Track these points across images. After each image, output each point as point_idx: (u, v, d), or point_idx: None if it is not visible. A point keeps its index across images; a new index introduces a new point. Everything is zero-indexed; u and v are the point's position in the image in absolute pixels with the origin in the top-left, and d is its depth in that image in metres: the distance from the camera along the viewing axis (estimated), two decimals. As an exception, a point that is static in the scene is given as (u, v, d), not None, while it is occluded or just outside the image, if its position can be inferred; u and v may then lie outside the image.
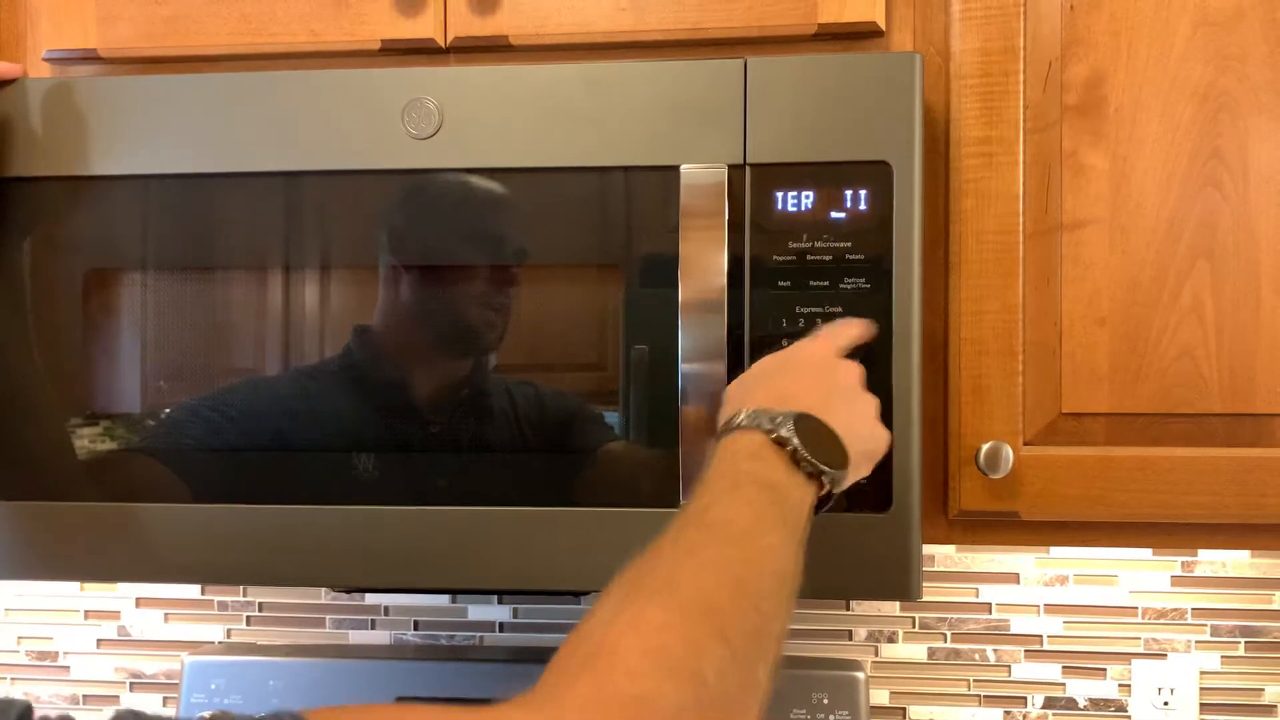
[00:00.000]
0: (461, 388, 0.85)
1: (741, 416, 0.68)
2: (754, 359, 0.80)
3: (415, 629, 1.25)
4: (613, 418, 0.83)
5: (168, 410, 0.87)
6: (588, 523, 0.82)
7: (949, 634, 1.19)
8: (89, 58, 0.92)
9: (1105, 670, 1.18)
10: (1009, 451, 0.84)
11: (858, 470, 0.72)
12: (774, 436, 0.66)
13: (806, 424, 0.67)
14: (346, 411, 0.85)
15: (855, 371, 0.75)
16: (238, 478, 0.85)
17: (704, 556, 0.59)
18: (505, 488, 0.83)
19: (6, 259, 0.86)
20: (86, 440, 0.87)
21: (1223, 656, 1.16)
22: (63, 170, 0.85)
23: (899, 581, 0.80)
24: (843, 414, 0.70)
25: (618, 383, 0.82)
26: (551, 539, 0.82)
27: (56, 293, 0.87)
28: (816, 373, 0.73)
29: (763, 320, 0.80)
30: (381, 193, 0.84)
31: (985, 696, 1.19)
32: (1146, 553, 1.16)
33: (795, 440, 0.66)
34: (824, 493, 0.67)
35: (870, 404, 0.74)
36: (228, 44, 0.90)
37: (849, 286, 0.80)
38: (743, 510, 0.63)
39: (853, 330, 0.78)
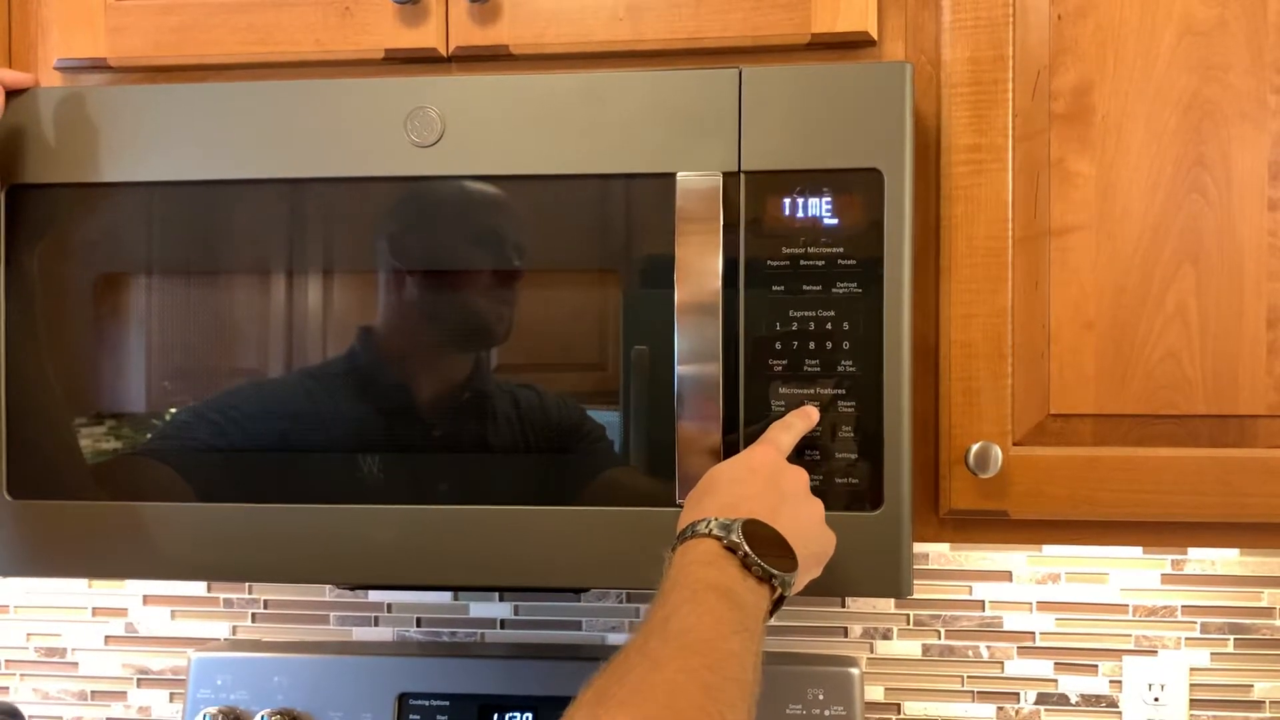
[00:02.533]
0: (464, 390, 0.87)
1: (698, 524, 0.70)
2: (749, 361, 0.82)
3: (418, 626, 1.27)
4: (612, 418, 0.85)
5: (173, 411, 0.88)
6: (587, 522, 0.84)
7: (943, 631, 1.21)
8: (99, 67, 0.94)
9: (1097, 667, 1.19)
10: (998, 452, 0.85)
11: (808, 572, 0.75)
12: (725, 542, 0.69)
13: (755, 529, 0.70)
14: (350, 413, 0.87)
15: (802, 478, 0.78)
16: (243, 478, 0.87)
17: (669, 668, 0.61)
18: (506, 487, 0.85)
19: (18, 264, 0.88)
20: (94, 441, 0.89)
21: (1212, 653, 1.18)
22: (73, 177, 0.87)
23: (890, 578, 0.82)
24: (789, 519, 0.73)
25: (616, 384, 0.84)
26: (552, 537, 0.84)
27: (67, 297, 0.88)
28: (765, 481, 0.75)
29: (757, 323, 0.82)
30: (385, 199, 0.85)
31: (979, 693, 1.21)
32: (1137, 551, 1.18)
33: (745, 546, 0.68)
34: (776, 595, 0.69)
35: (817, 507, 0.77)
36: (235, 53, 0.92)
37: (841, 290, 0.82)
38: (703, 618, 0.64)
39: (797, 425, 0.81)
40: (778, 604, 0.70)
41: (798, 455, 0.81)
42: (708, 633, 0.64)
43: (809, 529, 0.75)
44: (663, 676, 0.60)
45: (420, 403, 0.87)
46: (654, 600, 0.67)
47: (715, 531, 0.69)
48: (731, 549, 0.68)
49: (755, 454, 0.78)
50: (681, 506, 0.81)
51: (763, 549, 0.69)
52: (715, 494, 0.74)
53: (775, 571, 0.69)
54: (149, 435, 0.88)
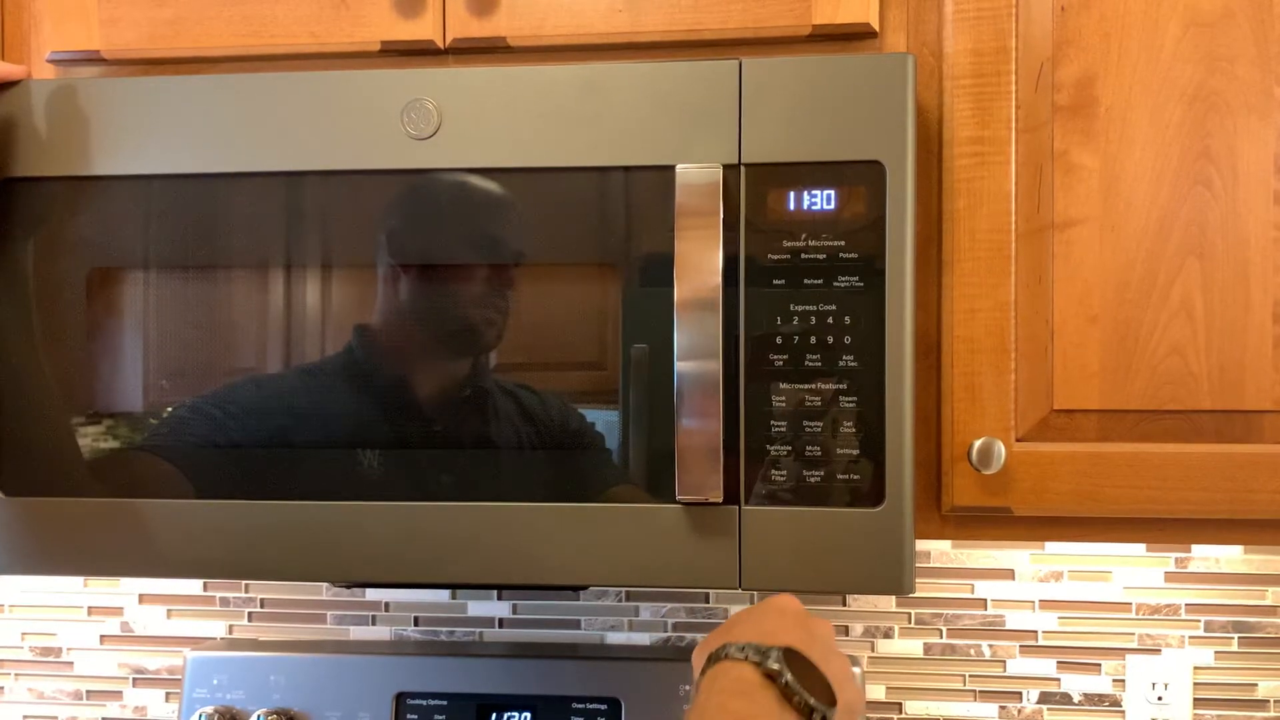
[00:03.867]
0: (462, 385, 0.86)
1: (730, 648, 0.65)
2: (749, 357, 0.81)
3: (415, 625, 1.26)
4: (611, 414, 0.84)
5: (170, 408, 0.88)
6: (586, 519, 0.83)
7: (945, 629, 1.20)
8: (92, 59, 0.93)
9: (1100, 665, 1.19)
10: (1001, 448, 0.85)
11: None
12: (764, 668, 0.64)
13: (795, 659, 0.65)
14: (347, 409, 0.86)
15: (830, 629, 0.73)
16: (240, 474, 0.86)
17: None
18: (504, 484, 0.84)
19: (11, 258, 0.87)
20: (90, 437, 0.88)
21: (1216, 652, 1.17)
22: (66, 170, 0.86)
23: (892, 576, 0.81)
24: (821, 661, 0.68)
25: (616, 380, 0.83)
26: (550, 535, 0.83)
27: (61, 291, 0.87)
28: (795, 622, 0.71)
29: (757, 318, 0.81)
30: (381, 193, 0.85)
31: (981, 691, 1.20)
32: (1140, 549, 1.17)
33: (788, 674, 0.63)
34: None
35: (846, 662, 0.71)
36: (229, 45, 0.91)
37: (842, 285, 0.81)
38: None
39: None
40: None
41: (799, 452, 0.80)
42: None
43: (842, 677, 0.69)
44: None
45: (418, 398, 0.86)
46: None
47: (751, 656, 0.64)
48: (771, 677, 0.63)
49: (780, 599, 0.74)
50: (682, 504, 0.80)
51: (804, 679, 0.64)
52: (744, 625, 0.69)
53: (816, 705, 0.63)
54: (144, 431, 0.88)
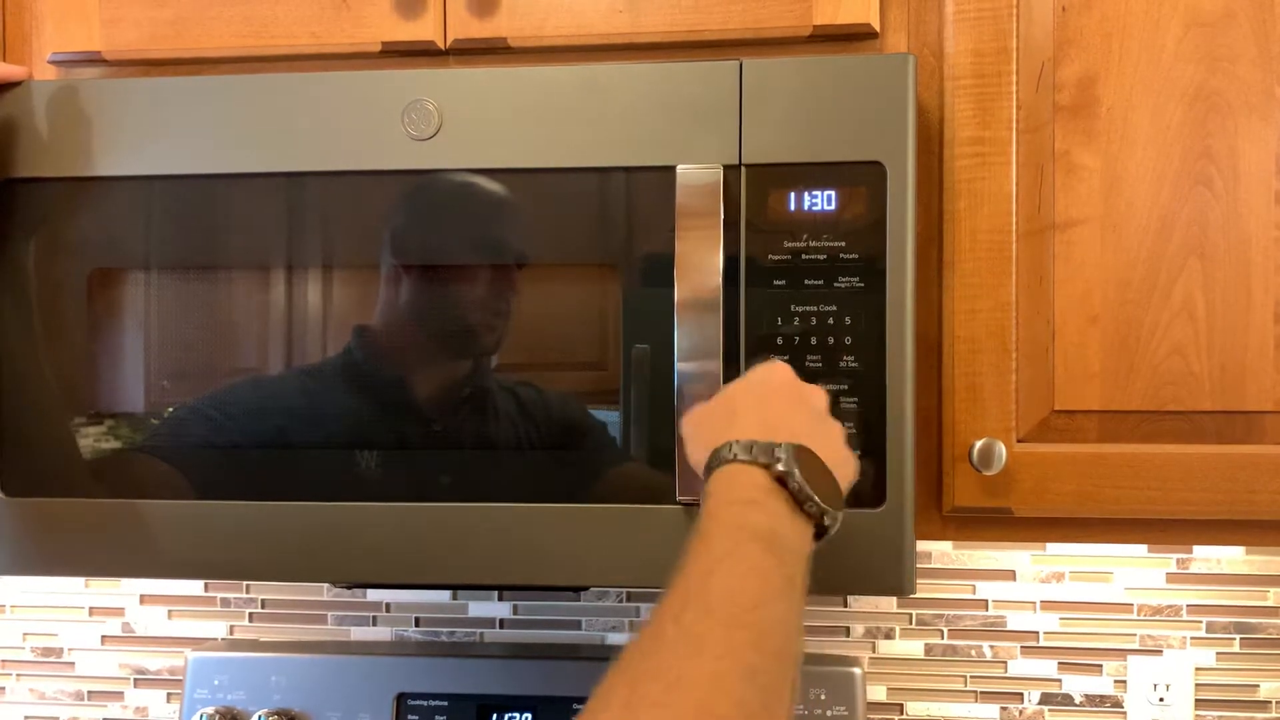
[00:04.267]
0: (462, 386, 0.86)
1: (736, 448, 0.64)
2: (749, 358, 0.81)
3: (416, 625, 1.26)
4: (612, 415, 0.84)
5: (171, 409, 0.88)
6: (587, 519, 0.83)
7: (946, 630, 1.20)
8: (93, 60, 0.93)
9: (1101, 666, 1.18)
10: (1002, 448, 0.85)
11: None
12: (774, 472, 0.63)
13: (805, 459, 0.64)
14: (348, 410, 0.86)
15: (824, 396, 0.73)
16: (241, 475, 0.86)
17: (709, 652, 0.55)
18: (506, 485, 0.84)
19: (12, 259, 0.87)
20: (91, 438, 0.88)
21: (1218, 653, 1.17)
22: (67, 171, 0.86)
23: (892, 577, 0.81)
24: (823, 442, 0.67)
25: (616, 380, 0.83)
26: (551, 535, 0.83)
27: (62, 292, 0.87)
28: (792, 399, 0.70)
29: (758, 319, 0.81)
30: (381, 193, 0.85)
31: (982, 692, 1.20)
32: (1142, 549, 1.17)
33: (799, 478, 0.62)
34: (816, 534, 0.64)
35: (840, 430, 0.71)
36: (230, 46, 0.91)
37: (843, 285, 0.81)
38: (747, 578, 0.59)
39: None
40: (818, 538, 0.64)
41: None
42: (752, 597, 0.57)
43: (840, 453, 0.69)
44: (702, 666, 0.54)
45: (418, 399, 0.86)
46: (690, 545, 0.61)
47: (760, 458, 0.62)
48: (782, 481, 0.62)
49: (773, 371, 0.72)
50: (682, 504, 0.80)
51: (815, 482, 0.62)
52: (745, 413, 0.68)
53: (827, 508, 0.62)
54: (145, 432, 0.88)
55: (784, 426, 0.66)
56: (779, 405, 0.69)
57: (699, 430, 0.71)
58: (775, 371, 0.73)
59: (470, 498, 0.84)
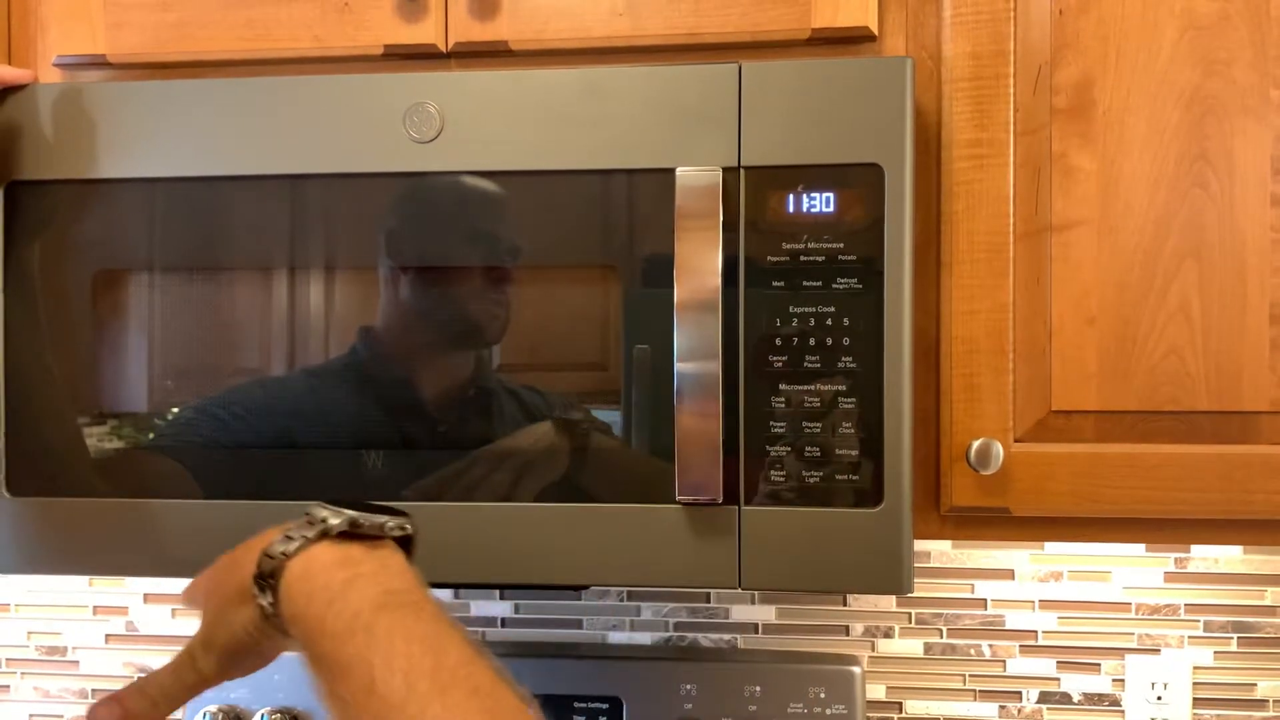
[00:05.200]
0: (465, 387, 0.86)
1: (286, 538, 0.65)
2: (749, 358, 0.82)
3: (418, 624, 1.27)
4: (613, 415, 0.85)
5: (175, 409, 0.88)
6: (587, 518, 0.84)
7: (945, 629, 1.21)
8: (98, 63, 0.94)
9: (1099, 665, 1.19)
10: (999, 448, 0.85)
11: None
12: (338, 530, 0.65)
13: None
14: (352, 410, 0.86)
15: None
16: (246, 474, 0.86)
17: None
18: (509, 485, 0.84)
19: (18, 261, 0.88)
20: (95, 437, 0.88)
21: (1215, 652, 1.18)
22: (72, 173, 0.87)
23: (891, 576, 0.82)
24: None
25: (617, 381, 0.84)
26: (552, 534, 0.84)
27: (67, 293, 0.88)
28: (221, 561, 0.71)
29: (757, 320, 0.82)
30: (384, 195, 0.85)
31: (981, 691, 1.20)
32: (1140, 549, 1.18)
33: (354, 514, 0.64)
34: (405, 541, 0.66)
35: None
36: (233, 50, 0.92)
37: (841, 286, 0.81)
38: (394, 661, 0.58)
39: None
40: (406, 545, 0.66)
41: (798, 453, 0.81)
42: (417, 668, 0.56)
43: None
44: None
45: (421, 399, 0.87)
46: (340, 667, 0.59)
47: (312, 533, 0.64)
48: (355, 528, 0.64)
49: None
50: (682, 504, 0.81)
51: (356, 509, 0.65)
52: (241, 551, 0.68)
53: (385, 519, 0.65)
54: (150, 431, 0.88)
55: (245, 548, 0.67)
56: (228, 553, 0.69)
57: (209, 591, 0.70)
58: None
59: (473, 497, 0.84)
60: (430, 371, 0.87)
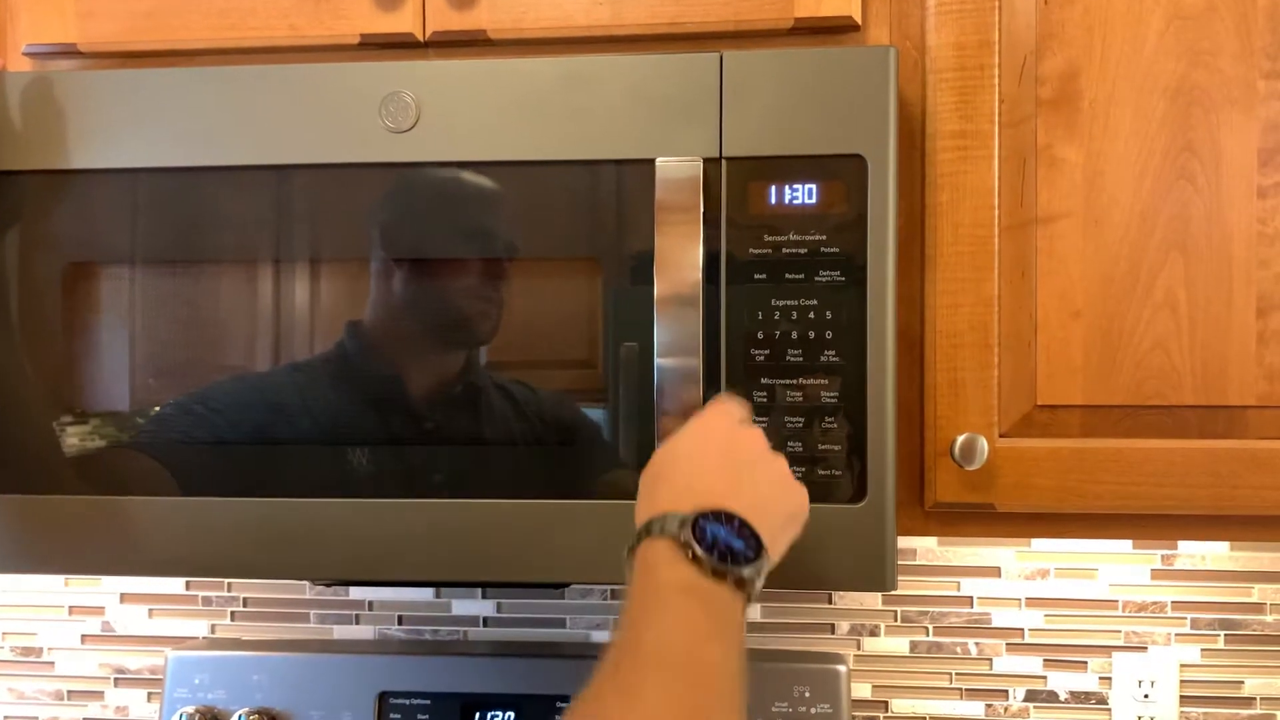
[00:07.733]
0: (452, 382, 0.85)
1: (650, 524, 0.65)
2: (730, 353, 0.80)
3: (399, 624, 1.26)
4: (596, 410, 0.84)
5: (156, 407, 0.87)
6: (569, 515, 0.82)
7: (931, 627, 1.20)
8: (69, 52, 0.93)
9: (1086, 663, 1.18)
10: (984, 443, 0.84)
11: (785, 536, 0.70)
12: (681, 541, 0.64)
13: (710, 522, 0.64)
14: (336, 405, 0.85)
15: (758, 438, 0.72)
16: (226, 471, 0.85)
17: (648, 698, 0.57)
18: (494, 481, 0.83)
19: (-14, 253, 0.86)
20: (73, 434, 0.87)
21: (1202, 649, 1.17)
22: (43, 164, 0.86)
23: (874, 573, 0.81)
24: (750, 490, 0.68)
25: (599, 376, 0.83)
26: (534, 531, 0.83)
27: (41, 288, 0.87)
28: (720, 452, 0.70)
29: (738, 314, 0.81)
30: (359, 186, 0.84)
31: (967, 690, 1.20)
32: (1126, 546, 1.17)
33: (695, 547, 0.63)
34: (744, 590, 0.64)
35: (779, 466, 0.72)
36: (207, 39, 0.91)
37: (824, 280, 0.80)
38: (675, 628, 0.60)
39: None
40: (741, 588, 0.65)
41: (779, 448, 0.80)
42: (682, 646, 0.59)
43: (773, 495, 0.70)
44: (642, 710, 0.56)
45: (403, 394, 0.85)
46: (622, 609, 0.63)
47: (670, 528, 0.64)
48: (685, 548, 0.63)
49: (708, 422, 0.73)
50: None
51: (722, 542, 0.64)
52: (669, 478, 0.69)
53: (732, 569, 0.63)
54: (128, 428, 0.87)
55: (700, 487, 0.67)
56: (703, 463, 0.70)
57: (640, 494, 0.71)
58: (711, 423, 0.73)
59: (459, 494, 0.83)
60: (412, 366, 0.86)
